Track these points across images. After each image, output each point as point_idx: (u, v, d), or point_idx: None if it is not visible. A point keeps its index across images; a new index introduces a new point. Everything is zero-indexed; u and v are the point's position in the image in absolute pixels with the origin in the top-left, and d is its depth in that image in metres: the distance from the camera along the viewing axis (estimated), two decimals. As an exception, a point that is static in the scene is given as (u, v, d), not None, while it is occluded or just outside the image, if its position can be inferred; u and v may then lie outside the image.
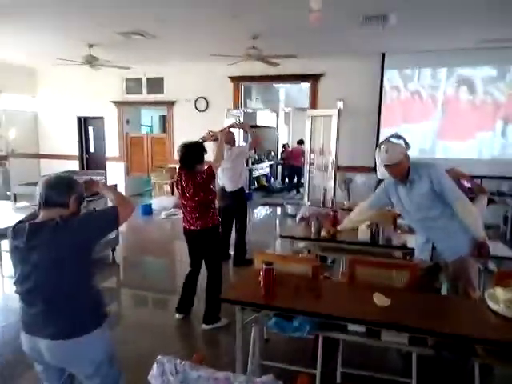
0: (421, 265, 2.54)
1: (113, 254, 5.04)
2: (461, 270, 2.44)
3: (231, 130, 4.83)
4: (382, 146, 2.51)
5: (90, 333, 1.60)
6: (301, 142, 10.82)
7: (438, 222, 2.53)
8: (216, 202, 3.36)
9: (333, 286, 2.45)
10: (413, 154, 2.62)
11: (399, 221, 3.98)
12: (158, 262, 5.32)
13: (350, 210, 4.47)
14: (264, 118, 10.88)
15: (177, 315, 3.38)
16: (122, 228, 5.77)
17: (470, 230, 2.44)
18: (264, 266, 2.12)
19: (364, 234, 3.29)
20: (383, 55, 6.93)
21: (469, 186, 3.70)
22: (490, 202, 5.41)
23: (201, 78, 8.11)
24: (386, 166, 2.50)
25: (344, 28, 5.39)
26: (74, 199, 1.64)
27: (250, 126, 5.61)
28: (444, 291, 3.17)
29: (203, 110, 8.28)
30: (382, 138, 6.87)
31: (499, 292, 1.95)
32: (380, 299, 1.98)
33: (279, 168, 11.92)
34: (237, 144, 5.15)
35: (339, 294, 2.23)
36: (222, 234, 4.73)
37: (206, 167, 3.15)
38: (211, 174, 3.13)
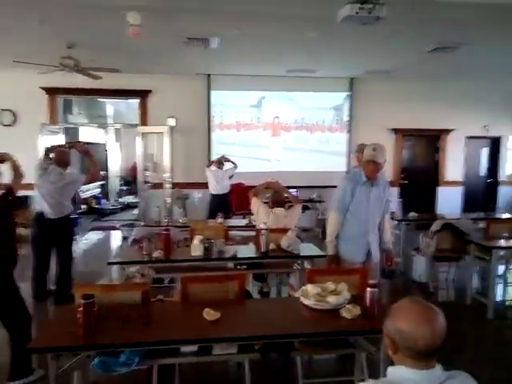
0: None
1: None
2: None
3: (68, 150, 4.24)
4: (371, 145, 2.80)
5: None
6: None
7: (375, 227, 2.98)
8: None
9: (165, 309, 2.35)
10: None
11: (232, 232, 4.21)
12: None
13: (185, 226, 4.49)
14: (89, 134, 10.02)
15: (-27, 379, 2.67)
16: None
17: (385, 242, 3.04)
18: (82, 301, 1.86)
19: (197, 250, 3.30)
20: (209, 76, 7.29)
21: (286, 195, 4.18)
22: (305, 208, 6.27)
23: (4, 87, 6.91)
24: (371, 162, 2.76)
25: (169, 46, 5.44)
26: None
27: (73, 143, 5.07)
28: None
29: (9, 125, 7.06)
30: (214, 154, 7.21)
31: (309, 288, 2.22)
32: (209, 314, 1.99)
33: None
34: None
35: (171, 315, 2.15)
36: (38, 267, 4.06)
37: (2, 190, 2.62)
38: (13, 199, 2.63)
